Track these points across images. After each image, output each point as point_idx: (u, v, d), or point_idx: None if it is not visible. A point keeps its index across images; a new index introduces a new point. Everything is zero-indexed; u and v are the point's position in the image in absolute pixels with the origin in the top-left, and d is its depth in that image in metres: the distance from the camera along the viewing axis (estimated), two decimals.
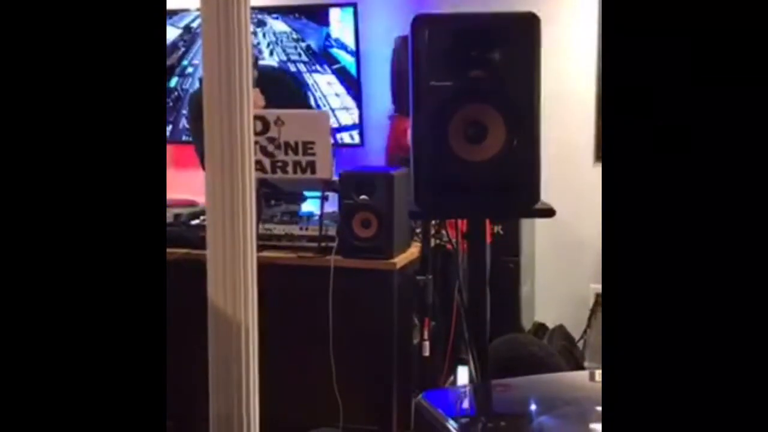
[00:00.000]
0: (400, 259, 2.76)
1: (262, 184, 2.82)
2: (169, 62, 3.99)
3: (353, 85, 3.75)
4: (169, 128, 4.03)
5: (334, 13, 3.74)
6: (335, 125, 3.66)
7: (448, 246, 2.81)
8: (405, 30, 1.54)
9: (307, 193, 3.08)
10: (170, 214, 3.00)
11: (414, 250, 2.89)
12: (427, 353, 2.79)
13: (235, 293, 1.70)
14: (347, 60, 3.74)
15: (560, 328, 3.63)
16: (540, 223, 3.71)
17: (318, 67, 3.79)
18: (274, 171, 2.76)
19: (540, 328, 3.68)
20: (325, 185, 2.83)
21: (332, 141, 3.07)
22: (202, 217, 2.92)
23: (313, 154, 2.73)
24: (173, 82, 4.03)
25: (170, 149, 4.16)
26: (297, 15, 3.77)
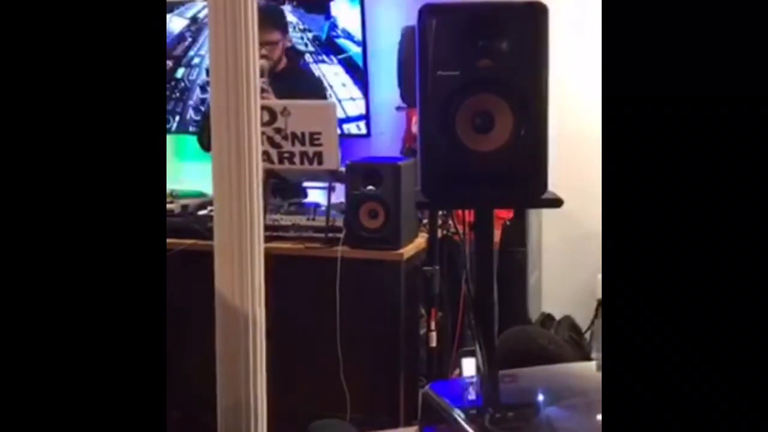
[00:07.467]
0: (407, 250, 2.76)
1: (269, 175, 2.82)
2: (175, 53, 3.98)
3: (360, 75, 3.74)
4: (176, 119, 4.03)
5: (339, 3, 3.73)
6: (342, 116, 3.65)
7: (455, 236, 2.81)
8: (412, 20, 1.53)
9: (313, 184, 3.07)
10: (177, 204, 3.00)
11: (421, 241, 2.89)
12: (434, 344, 2.79)
13: (242, 284, 1.70)
14: (354, 50, 3.73)
15: (567, 319, 3.62)
16: (547, 213, 3.70)
17: (324, 57, 3.79)
18: (281, 162, 2.76)
19: (547, 319, 3.67)
20: (332, 176, 2.83)
21: (339, 131, 3.06)
22: (209, 208, 2.92)
23: (320, 145, 2.73)
24: (180, 72, 4.02)
25: (176, 140, 4.16)
26: (295, 5, 3.75)
